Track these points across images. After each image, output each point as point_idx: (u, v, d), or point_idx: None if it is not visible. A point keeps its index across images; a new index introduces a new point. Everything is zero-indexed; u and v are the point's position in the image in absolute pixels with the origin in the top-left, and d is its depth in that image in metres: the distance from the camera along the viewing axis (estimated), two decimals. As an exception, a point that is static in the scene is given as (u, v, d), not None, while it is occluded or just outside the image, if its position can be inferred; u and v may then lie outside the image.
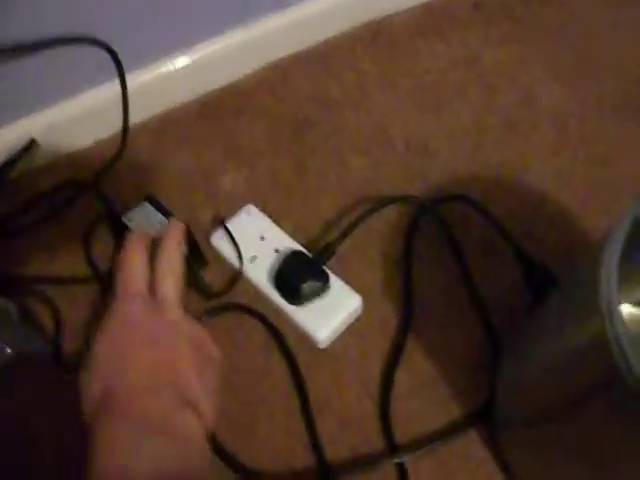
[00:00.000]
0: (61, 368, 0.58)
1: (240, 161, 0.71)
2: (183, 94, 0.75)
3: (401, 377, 0.58)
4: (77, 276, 0.63)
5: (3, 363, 0.53)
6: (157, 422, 0.41)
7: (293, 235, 0.64)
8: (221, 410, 0.55)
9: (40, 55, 0.63)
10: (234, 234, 0.64)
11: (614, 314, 0.36)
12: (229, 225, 0.65)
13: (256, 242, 0.64)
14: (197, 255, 0.63)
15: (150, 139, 0.73)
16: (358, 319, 0.61)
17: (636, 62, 0.77)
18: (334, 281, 0.60)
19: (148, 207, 0.63)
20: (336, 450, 0.55)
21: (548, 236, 0.65)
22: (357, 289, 0.61)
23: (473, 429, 0.55)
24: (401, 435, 0.55)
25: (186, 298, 0.59)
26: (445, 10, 0.82)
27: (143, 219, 0.61)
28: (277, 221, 0.65)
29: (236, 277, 0.62)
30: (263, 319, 0.61)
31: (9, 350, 0.54)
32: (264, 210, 0.66)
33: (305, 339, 0.59)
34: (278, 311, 0.61)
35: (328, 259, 0.61)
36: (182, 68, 0.73)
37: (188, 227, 0.64)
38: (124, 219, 0.61)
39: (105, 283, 0.63)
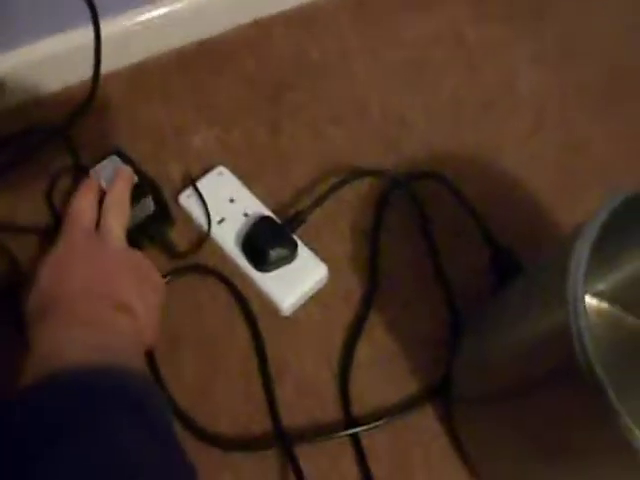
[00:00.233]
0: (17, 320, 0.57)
1: (213, 120, 0.69)
2: (159, 45, 0.73)
3: (362, 348, 0.58)
4: (38, 226, 0.61)
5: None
6: (87, 319, 0.45)
7: (263, 200, 0.63)
8: (179, 371, 0.56)
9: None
10: (203, 194, 0.63)
11: (579, 307, 0.37)
12: (199, 185, 0.63)
13: (225, 204, 0.63)
14: (164, 213, 0.62)
15: (122, 89, 0.70)
16: (323, 289, 0.61)
17: (617, 51, 0.77)
18: (301, 249, 0.60)
19: (116, 161, 0.61)
20: (293, 416, 0.55)
21: (516, 220, 0.65)
22: (324, 259, 0.61)
23: (429, 404, 0.56)
24: (358, 406, 0.56)
25: (150, 256, 0.59)
26: (432, -17, 0.81)
27: (111, 173, 0.60)
28: (248, 184, 0.64)
29: (203, 238, 0.61)
30: (228, 282, 0.60)
31: None
32: (235, 172, 0.65)
33: (268, 305, 0.59)
34: (243, 275, 0.60)
35: (297, 227, 0.61)
36: (160, 17, 0.70)
37: (157, 183, 0.63)
38: (91, 172, 0.60)
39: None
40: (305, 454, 0.53)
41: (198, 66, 0.73)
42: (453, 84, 0.74)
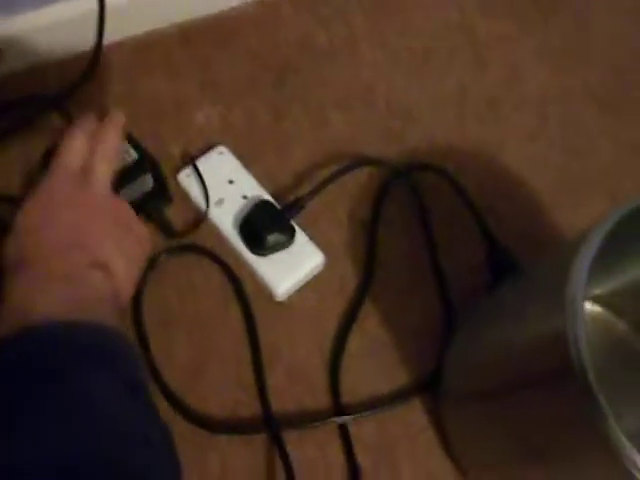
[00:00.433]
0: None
1: (216, 97, 0.69)
2: (164, 18, 0.71)
3: (354, 338, 0.59)
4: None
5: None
6: (61, 274, 0.43)
7: (262, 182, 0.63)
8: (171, 351, 0.56)
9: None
10: (203, 174, 0.62)
11: (577, 314, 0.37)
12: (198, 164, 0.63)
13: (225, 185, 0.62)
14: (162, 190, 0.61)
15: (124, 61, 0.69)
16: (318, 276, 0.61)
17: (624, 54, 0.77)
18: (299, 235, 0.60)
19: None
20: (282, 402, 0.55)
21: (515, 217, 0.65)
22: (321, 246, 0.60)
23: (418, 397, 0.57)
24: (347, 395, 0.56)
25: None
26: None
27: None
28: (248, 166, 0.64)
29: (200, 219, 0.61)
30: (223, 264, 0.60)
31: None
32: (235, 152, 0.65)
33: (263, 289, 0.59)
34: (239, 258, 0.60)
35: (296, 213, 0.60)
36: (166, -10, 0.69)
37: (156, 160, 0.62)
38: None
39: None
40: (292, 440, 0.53)
41: (203, 42, 0.72)
42: (460, 77, 0.73)
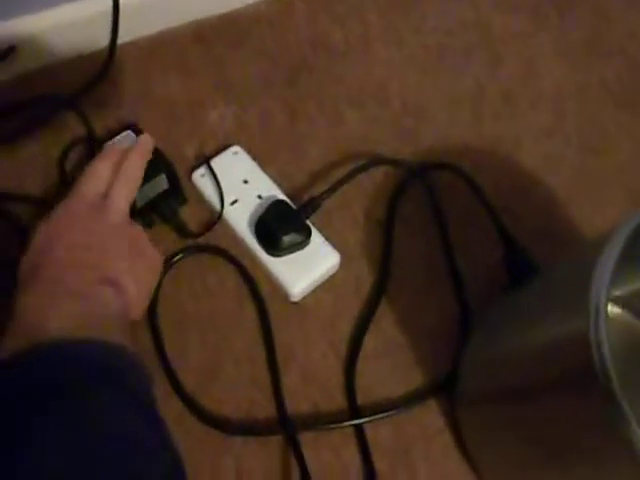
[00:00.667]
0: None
1: (230, 97, 0.68)
2: (178, 17, 0.71)
3: (370, 338, 0.58)
4: (49, 196, 0.61)
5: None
6: (73, 290, 0.44)
7: (277, 182, 0.62)
8: (185, 352, 0.56)
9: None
10: (217, 174, 0.62)
11: (600, 317, 0.37)
12: (213, 164, 0.63)
13: (239, 185, 0.62)
14: (177, 191, 0.61)
15: (138, 60, 0.69)
16: (334, 276, 0.60)
17: (640, 49, 0.76)
18: (314, 235, 0.59)
19: (132, 136, 0.60)
20: (297, 404, 0.55)
21: (532, 215, 0.65)
22: (336, 246, 0.60)
23: (434, 399, 0.56)
24: (363, 396, 0.56)
25: (161, 235, 0.59)
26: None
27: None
28: (262, 165, 0.63)
29: (215, 219, 0.61)
30: (238, 265, 0.60)
31: None
32: (249, 152, 0.64)
33: (278, 290, 0.59)
34: (254, 259, 0.60)
35: (312, 213, 0.60)
36: (180, -12, 0.69)
37: (171, 160, 0.62)
38: (106, 146, 0.59)
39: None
40: (308, 442, 0.53)
41: (217, 41, 0.71)
42: (475, 75, 0.72)
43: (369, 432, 0.54)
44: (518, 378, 0.48)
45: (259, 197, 0.61)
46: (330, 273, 0.60)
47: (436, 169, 0.65)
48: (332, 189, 0.61)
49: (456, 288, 0.61)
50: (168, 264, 0.58)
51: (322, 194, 0.60)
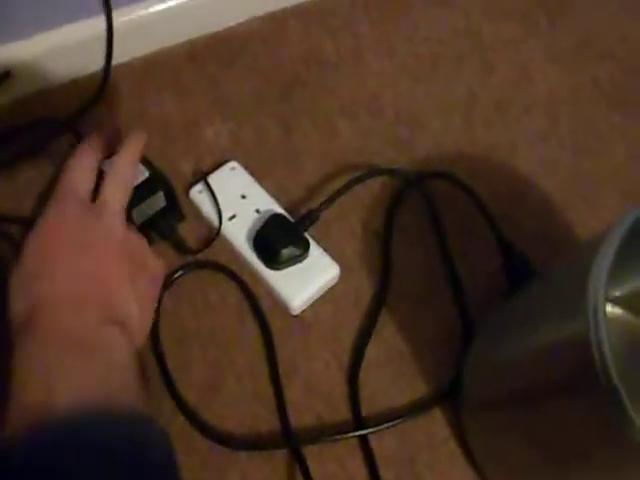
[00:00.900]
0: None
1: (225, 114, 0.69)
2: (171, 37, 0.72)
3: (371, 349, 0.58)
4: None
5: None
6: (78, 340, 0.40)
7: (274, 196, 0.63)
8: (188, 368, 0.56)
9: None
10: (214, 190, 0.62)
11: (599, 316, 0.37)
12: (210, 180, 0.63)
13: (237, 200, 0.62)
14: (175, 208, 0.61)
15: (132, 81, 0.70)
16: (333, 287, 0.60)
17: (634, 51, 0.76)
18: (313, 248, 0.60)
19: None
20: (301, 417, 0.55)
21: (529, 220, 0.65)
22: (335, 257, 0.60)
23: (438, 407, 0.56)
24: (366, 406, 0.56)
25: (160, 252, 0.59)
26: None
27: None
28: (259, 180, 0.64)
29: (214, 235, 0.61)
30: (238, 280, 0.60)
31: None
32: (246, 167, 0.65)
33: (279, 303, 0.59)
34: (254, 273, 0.60)
35: (310, 225, 0.60)
36: (172, 8, 0.69)
37: (168, 177, 0.62)
38: (102, 167, 0.59)
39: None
40: (313, 455, 0.53)
41: (210, 59, 0.72)
42: (468, 83, 0.73)
43: (374, 442, 0.54)
44: (521, 382, 0.47)
45: (257, 211, 0.61)
46: (330, 285, 0.60)
47: (432, 178, 0.66)
48: (329, 201, 0.61)
49: (456, 296, 0.61)
50: (168, 281, 0.58)
51: (319, 206, 0.61)
